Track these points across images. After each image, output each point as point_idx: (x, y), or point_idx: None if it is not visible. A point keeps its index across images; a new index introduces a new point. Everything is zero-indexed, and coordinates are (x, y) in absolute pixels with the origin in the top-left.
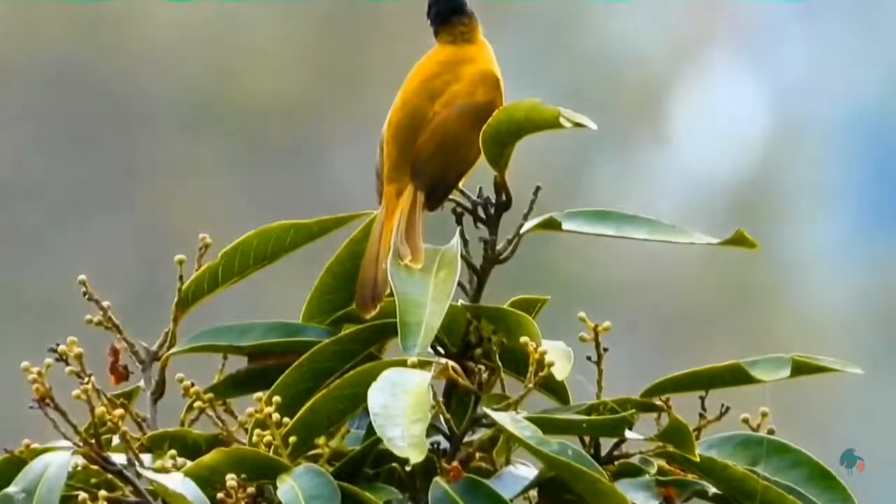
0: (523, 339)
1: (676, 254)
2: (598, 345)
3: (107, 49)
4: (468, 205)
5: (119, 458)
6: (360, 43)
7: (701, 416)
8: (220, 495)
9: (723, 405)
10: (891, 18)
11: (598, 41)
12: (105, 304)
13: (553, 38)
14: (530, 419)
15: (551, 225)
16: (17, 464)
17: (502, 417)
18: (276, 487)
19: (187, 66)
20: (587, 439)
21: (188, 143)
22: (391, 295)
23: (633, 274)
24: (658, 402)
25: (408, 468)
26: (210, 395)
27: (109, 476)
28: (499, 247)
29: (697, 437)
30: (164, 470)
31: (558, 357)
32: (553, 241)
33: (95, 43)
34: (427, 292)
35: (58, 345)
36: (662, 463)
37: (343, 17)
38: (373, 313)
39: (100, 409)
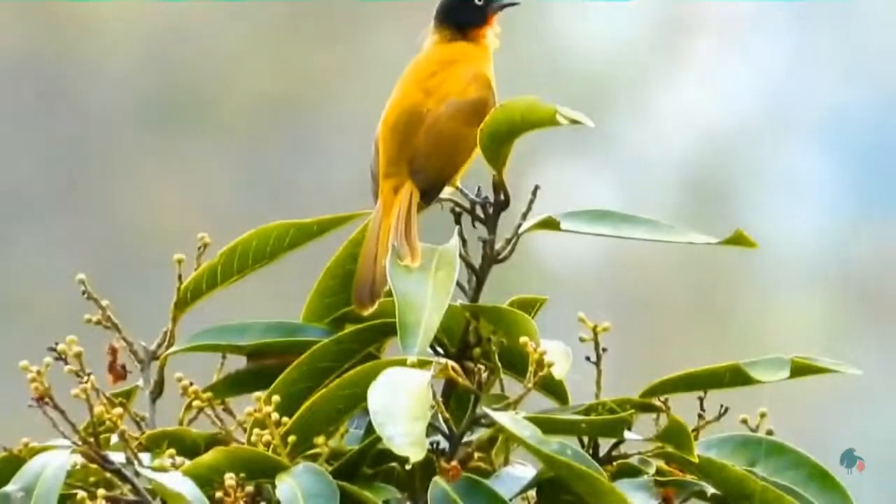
0: (523, 338)
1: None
2: (597, 345)
3: (70, 46)
4: (466, 204)
5: (118, 457)
6: (342, 40)
7: (700, 416)
8: (218, 494)
9: (721, 406)
10: (874, 17)
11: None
12: (104, 302)
13: (523, 30)
14: (530, 419)
15: (550, 225)
16: (15, 462)
17: (502, 417)
18: (274, 487)
19: (152, 64)
20: (586, 439)
21: (153, 142)
22: (390, 294)
23: (600, 265)
24: (657, 403)
25: (407, 467)
26: (209, 394)
27: (108, 475)
28: (497, 246)
29: (696, 438)
30: (162, 469)
31: (557, 357)
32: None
33: (56, 41)
34: (426, 292)
35: (57, 343)
36: (661, 463)
37: (332, 14)
38: (371, 310)
39: (99, 409)
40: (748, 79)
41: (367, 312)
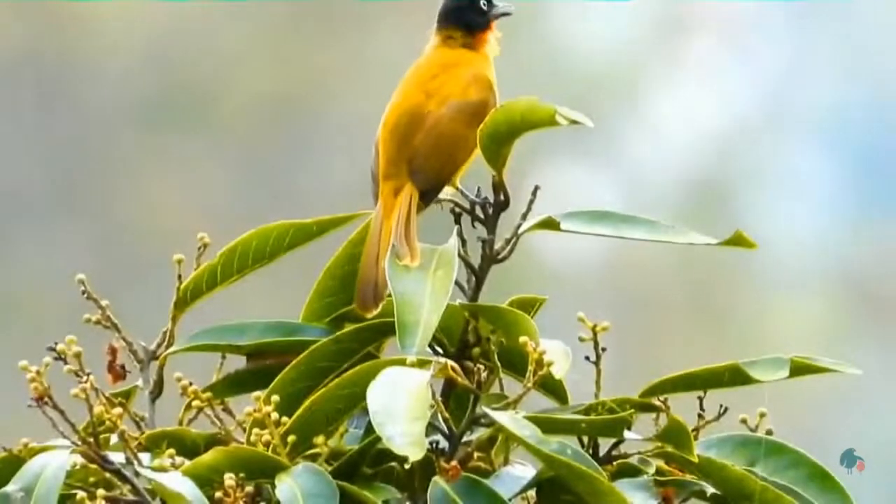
0: (522, 338)
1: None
2: (596, 345)
3: (70, 46)
4: (466, 204)
5: (117, 457)
6: (342, 40)
7: (699, 416)
8: (218, 494)
9: (721, 406)
10: (874, 17)
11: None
12: (104, 302)
13: (523, 30)
14: (529, 419)
15: (550, 225)
16: (15, 462)
17: (502, 417)
18: (274, 486)
19: (152, 64)
20: (586, 439)
21: (153, 142)
22: (389, 294)
23: (590, 263)
24: (657, 403)
25: (406, 467)
26: (208, 394)
27: (108, 475)
28: (497, 246)
29: (696, 438)
30: (162, 469)
31: (557, 356)
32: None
33: (56, 41)
34: (425, 292)
35: (57, 343)
36: (661, 463)
37: (332, 14)
38: (374, 312)
39: (98, 409)
40: (748, 79)
41: (370, 315)
